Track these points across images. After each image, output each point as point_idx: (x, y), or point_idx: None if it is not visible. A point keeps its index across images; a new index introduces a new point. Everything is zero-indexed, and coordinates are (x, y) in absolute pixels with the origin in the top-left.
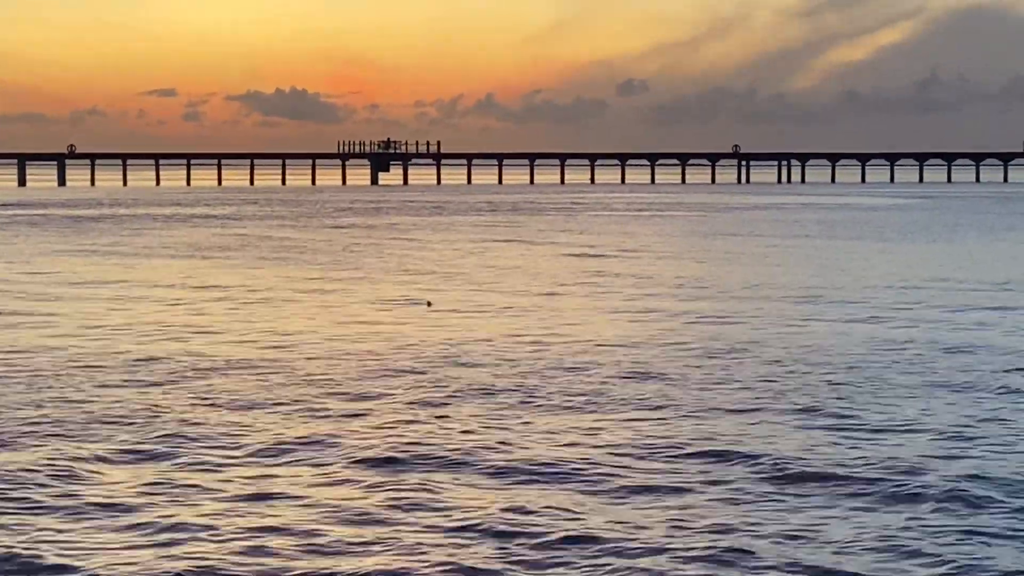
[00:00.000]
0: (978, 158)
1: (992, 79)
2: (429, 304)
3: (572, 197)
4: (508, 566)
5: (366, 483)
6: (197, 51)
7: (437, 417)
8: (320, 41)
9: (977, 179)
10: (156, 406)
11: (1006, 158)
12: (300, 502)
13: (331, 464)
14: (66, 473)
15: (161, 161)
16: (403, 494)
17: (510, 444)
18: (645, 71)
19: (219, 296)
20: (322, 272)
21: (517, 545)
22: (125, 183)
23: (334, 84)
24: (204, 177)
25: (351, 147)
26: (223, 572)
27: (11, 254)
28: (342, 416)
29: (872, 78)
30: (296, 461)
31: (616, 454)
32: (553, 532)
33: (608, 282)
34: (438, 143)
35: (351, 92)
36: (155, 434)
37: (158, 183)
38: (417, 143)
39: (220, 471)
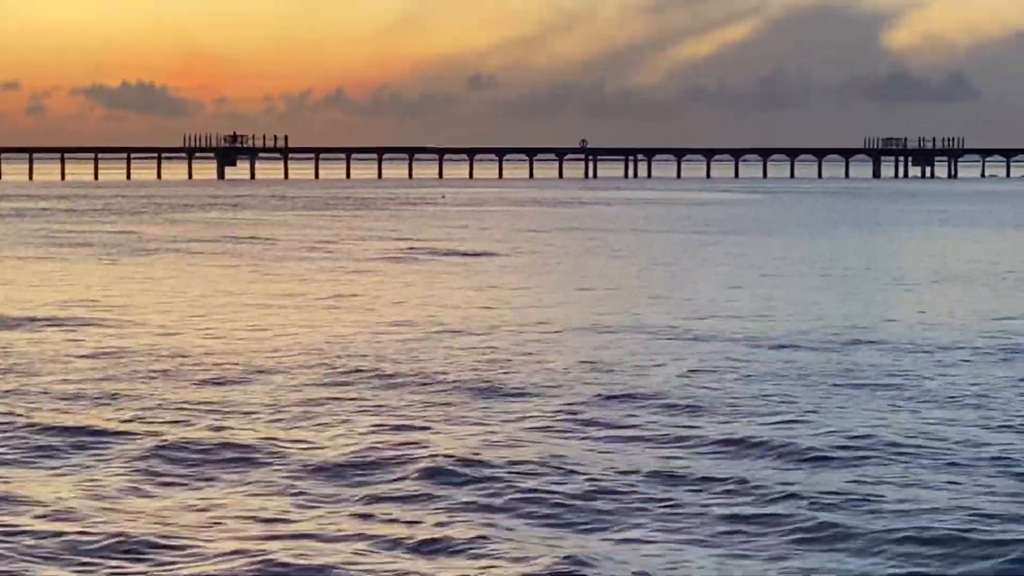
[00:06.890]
0: (820, 154)
1: (834, 76)
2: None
3: (423, 192)
4: None
5: None
6: (41, 43)
7: None
8: (167, 33)
9: (819, 174)
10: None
11: (847, 154)
12: None
13: None
14: None
15: (3, 155)
16: None
17: None
18: (493, 66)
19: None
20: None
21: None
22: None
23: (181, 77)
24: (47, 172)
25: (197, 141)
26: None
27: None
28: None
29: (717, 74)
30: None
31: None
32: None
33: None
34: (285, 137)
35: (199, 86)
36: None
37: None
38: (264, 137)
39: None
